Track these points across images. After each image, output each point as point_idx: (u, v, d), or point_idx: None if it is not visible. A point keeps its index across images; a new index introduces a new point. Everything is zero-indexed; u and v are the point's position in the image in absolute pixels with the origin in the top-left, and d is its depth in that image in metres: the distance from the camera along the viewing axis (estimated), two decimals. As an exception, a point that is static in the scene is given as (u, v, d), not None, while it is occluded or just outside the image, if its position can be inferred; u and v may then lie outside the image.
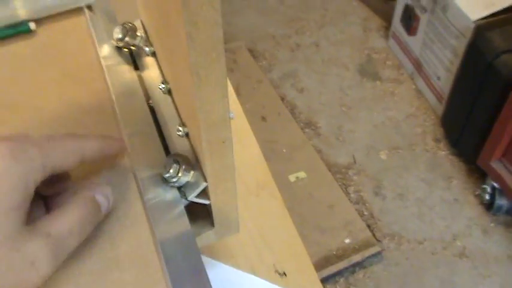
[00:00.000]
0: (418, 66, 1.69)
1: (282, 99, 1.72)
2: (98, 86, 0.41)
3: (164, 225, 0.37)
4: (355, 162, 1.56)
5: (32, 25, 0.44)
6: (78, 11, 0.46)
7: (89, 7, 0.46)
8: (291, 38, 1.92)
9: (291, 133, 1.63)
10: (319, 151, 1.59)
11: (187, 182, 0.38)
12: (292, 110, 1.70)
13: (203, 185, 0.38)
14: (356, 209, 1.44)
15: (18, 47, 0.44)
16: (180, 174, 0.37)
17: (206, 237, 0.42)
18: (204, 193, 0.38)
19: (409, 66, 1.75)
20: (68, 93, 0.41)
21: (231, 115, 0.34)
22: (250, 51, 1.86)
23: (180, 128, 0.40)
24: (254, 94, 1.72)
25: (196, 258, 0.36)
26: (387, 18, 1.88)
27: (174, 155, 0.38)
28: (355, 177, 1.52)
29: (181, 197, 0.38)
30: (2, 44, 0.44)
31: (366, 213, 1.44)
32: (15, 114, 0.39)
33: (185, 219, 0.37)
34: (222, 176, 0.37)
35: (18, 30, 0.44)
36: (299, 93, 1.75)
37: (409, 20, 1.68)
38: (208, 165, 0.36)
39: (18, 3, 0.44)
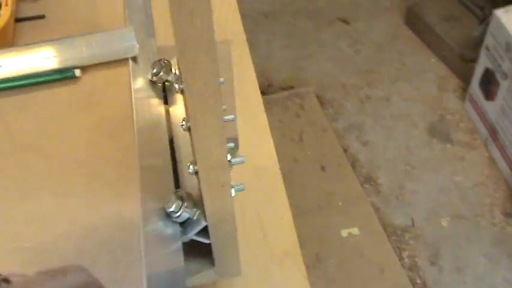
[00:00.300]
0: (493, 132, 1.60)
1: (345, 150, 1.68)
2: (126, 139, 0.41)
3: (156, 258, 0.36)
4: (413, 225, 1.47)
5: (77, 72, 0.45)
6: (123, 61, 0.46)
7: (134, 58, 0.46)
8: (361, 89, 1.88)
9: (349, 186, 1.57)
10: (376, 209, 1.52)
11: (189, 219, 0.39)
12: (354, 162, 1.65)
13: (203, 224, 0.39)
14: (408, 276, 1.35)
15: (61, 92, 0.44)
16: (181, 211, 0.38)
17: (207, 275, 0.42)
18: (205, 232, 0.39)
19: (483, 131, 1.66)
20: (96, 144, 0.40)
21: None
22: (319, 98, 1.84)
23: (191, 166, 0.39)
24: (317, 142, 1.69)
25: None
26: (465, 79, 1.81)
27: (180, 191, 0.39)
28: (411, 242, 1.44)
29: (182, 233, 0.39)
30: (48, 87, 0.44)
31: (418, 281, 1.35)
32: (38, 158, 0.39)
33: (179, 255, 0.38)
34: (220, 218, 0.38)
35: (64, 76, 0.44)
36: (363, 146, 1.70)
37: (489, 84, 1.60)
38: (207, 206, 0.37)
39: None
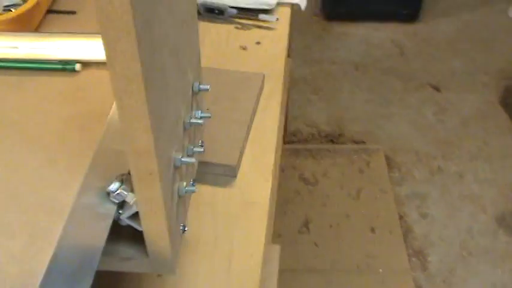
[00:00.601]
0: None
1: (400, 217, 1.60)
2: (95, 132, 0.42)
3: (76, 229, 0.36)
4: (452, 314, 1.36)
5: (78, 66, 0.47)
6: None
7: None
8: (435, 160, 1.79)
9: (395, 255, 1.49)
10: (418, 286, 1.42)
11: (125, 203, 0.40)
12: (407, 232, 1.56)
13: (134, 209, 0.39)
14: None
15: (56, 81, 0.46)
16: (118, 191, 0.39)
17: (140, 264, 0.43)
18: (139, 219, 0.39)
19: (558, 234, 1.51)
20: (64, 133, 0.42)
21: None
22: (387, 158, 1.78)
23: None
24: (373, 202, 1.63)
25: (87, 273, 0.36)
26: (551, 175, 1.66)
27: (124, 174, 0.40)
28: (445, 332, 1.32)
29: (117, 214, 0.40)
30: (48, 74, 0.47)
31: None
32: (8, 132, 0.41)
33: (102, 235, 0.39)
34: (149, 207, 0.38)
35: (64, 67, 0.47)
36: (421, 218, 1.61)
37: None
38: (136, 192, 0.37)
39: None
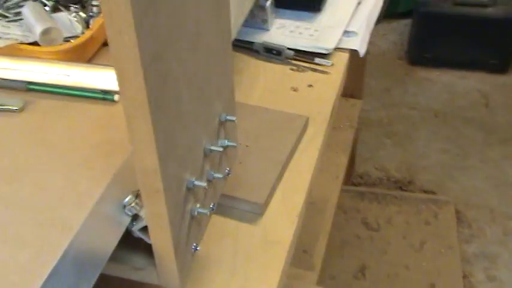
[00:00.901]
0: None
1: (465, 276, 1.52)
2: (117, 160, 0.45)
3: (89, 234, 0.40)
4: None
5: (117, 97, 0.51)
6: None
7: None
8: (511, 221, 1.68)
9: (452, 316, 1.41)
10: None
11: (138, 216, 0.44)
12: (470, 294, 1.47)
13: (143, 223, 0.43)
14: None
15: (97, 109, 0.50)
16: (132, 205, 0.43)
17: (150, 275, 0.47)
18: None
19: None
20: (90, 157, 0.46)
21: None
22: (458, 213, 1.70)
23: None
24: (437, 257, 1.56)
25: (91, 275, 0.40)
26: None
27: (139, 190, 0.42)
28: None
29: (129, 226, 0.44)
30: (90, 102, 0.51)
31: None
32: (43, 151, 0.46)
33: (113, 241, 0.43)
34: (156, 222, 0.41)
35: (105, 97, 0.51)
36: (488, 280, 1.51)
37: None
38: (145, 207, 0.41)
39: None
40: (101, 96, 0.51)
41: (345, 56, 0.85)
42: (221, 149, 0.49)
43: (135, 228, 0.45)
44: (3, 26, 0.56)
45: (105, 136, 0.48)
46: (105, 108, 0.51)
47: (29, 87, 0.52)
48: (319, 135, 0.72)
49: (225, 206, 0.64)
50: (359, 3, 0.93)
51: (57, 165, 0.45)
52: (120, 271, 0.49)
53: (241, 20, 0.70)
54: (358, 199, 1.75)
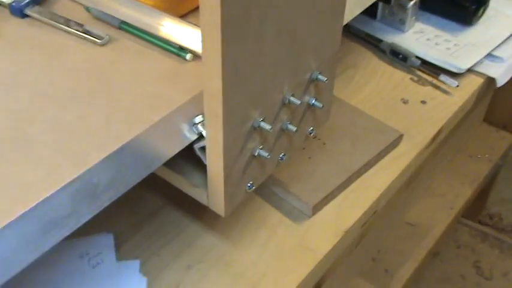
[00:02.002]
0: None
1: None
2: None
3: (155, 134, 0.44)
4: None
5: (189, 56, 0.51)
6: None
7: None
8: None
9: None
10: None
11: (202, 136, 0.46)
12: None
13: (203, 143, 0.46)
14: None
15: (168, 62, 0.51)
16: (200, 124, 0.46)
17: (201, 194, 0.51)
18: None
19: None
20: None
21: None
22: None
23: None
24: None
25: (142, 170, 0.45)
26: None
27: None
28: None
29: (194, 143, 0.48)
30: (165, 54, 0.52)
31: None
32: (103, 86, 0.49)
33: (173, 148, 0.47)
34: (212, 145, 0.44)
35: (179, 53, 0.52)
36: None
37: None
38: (206, 129, 0.44)
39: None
40: (175, 50, 0.52)
41: (478, 81, 0.75)
42: (298, 102, 0.49)
43: (196, 146, 0.48)
44: (121, -36, 0.59)
45: (160, 89, 0.48)
46: (174, 64, 0.51)
47: (121, 26, 0.54)
48: (408, 156, 0.66)
49: (278, 196, 0.62)
50: (521, 28, 0.81)
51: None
52: (179, 182, 0.53)
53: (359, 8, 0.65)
54: (478, 239, 1.59)
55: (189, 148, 0.49)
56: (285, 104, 0.50)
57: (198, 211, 0.60)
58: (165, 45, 0.52)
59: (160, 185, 0.64)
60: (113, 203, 0.44)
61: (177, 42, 0.52)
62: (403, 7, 0.79)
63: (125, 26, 0.54)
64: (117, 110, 0.46)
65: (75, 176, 0.39)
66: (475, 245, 1.59)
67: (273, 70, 0.45)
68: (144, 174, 0.45)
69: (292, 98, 0.49)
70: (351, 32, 0.84)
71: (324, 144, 0.65)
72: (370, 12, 0.82)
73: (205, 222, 0.60)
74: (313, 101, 0.53)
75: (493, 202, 1.67)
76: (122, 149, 0.42)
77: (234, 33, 0.38)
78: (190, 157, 0.50)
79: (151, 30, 0.53)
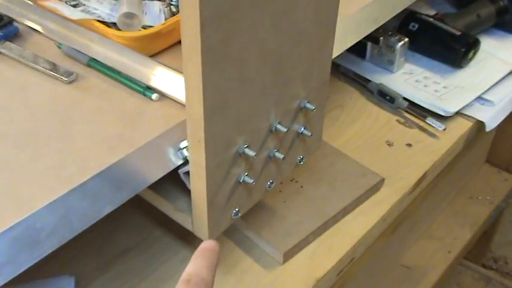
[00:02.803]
0: None
1: None
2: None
3: (140, 157, 0.45)
4: None
5: (155, 96, 0.50)
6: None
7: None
8: None
9: None
10: None
11: (188, 161, 0.47)
12: None
13: (188, 168, 0.46)
14: None
15: (129, 102, 0.50)
16: (185, 150, 0.47)
17: (186, 219, 0.51)
18: None
19: None
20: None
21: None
22: None
23: None
24: None
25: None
26: None
27: None
28: None
29: (179, 167, 0.48)
30: (130, 94, 0.51)
31: None
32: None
33: (156, 173, 0.47)
34: (195, 170, 0.44)
35: (143, 92, 0.51)
36: None
37: None
38: (190, 155, 0.45)
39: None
40: (142, 90, 0.51)
41: (467, 125, 0.73)
42: (285, 130, 0.49)
43: (181, 171, 0.48)
44: (98, 0, 0.58)
45: (122, 130, 0.47)
46: (139, 103, 0.50)
47: (90, 63, 0.54)
48: (389, 201, 0.63)
49: (250, 240, 0.60)
50: (513, 71, 0.79)
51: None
52: (164, 206, 0.53)
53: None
54: (481, 283, 1.54)
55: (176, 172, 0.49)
56: (272, 132, 0.50)
57: (163, 256, 0.58)
58: (131, 84, 0.51)
59: (130, 226, 0.63)
60: (79, 243, 0.42)
61: (144, 82, 0.51)
62: (391, 48, 0.78)
63: (93, 63, 0.54)
64: (73, 151, 0.45)
65: (18, 220, 0.38)
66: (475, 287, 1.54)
67: (258, 97, 0.45)
68: (94, 219, 0.43)
69: (279, 126, 0.49)
70: (339, 71, 0.83)
71: (302, 187, 0.63)
72: (359, 51, 0.81)
73: (171, 268, 0.57)
74: (302, 129, 0.53)
75: (498, 245, 1.63)
76: (71, 192, 0.41)
77: (215, 59, 0.38)
78: (177, 181, 0.50)
79: (120, 68, 0.53)
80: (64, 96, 0.51)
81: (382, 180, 0.65)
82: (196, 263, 0.38)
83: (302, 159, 0.57)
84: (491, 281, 1.56)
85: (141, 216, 0.63)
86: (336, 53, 0.65)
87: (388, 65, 0.80)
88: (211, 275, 0.37)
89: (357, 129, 0.73)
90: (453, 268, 1.22)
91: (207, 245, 0.40)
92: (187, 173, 0.48)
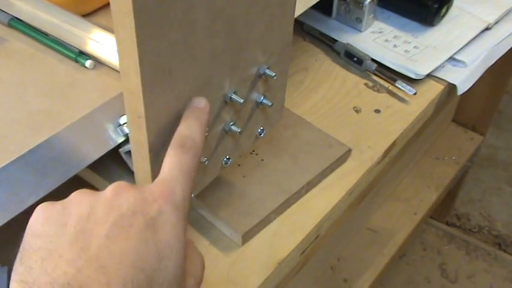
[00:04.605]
0: None
1: None
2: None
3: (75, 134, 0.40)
4: None
5: (89, 63, 0.44)
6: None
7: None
8: None
9: None
10: None
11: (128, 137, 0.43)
12: None
13: (129, 147, 0.43)
14: None
15: (58, 71, 0.44)
16: (124, 126, 0.43)
17: None
18: None
19: None
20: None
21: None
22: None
23: None
24: None
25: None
26: None
27: None
28: None
29: (121, 145, 0.44)
30: (60, 59, 0.44)
31: None
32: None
33: (95, 153, 0.43)
34: (137, 149, 0.39)
35: (75, 58, 0.44)
36: None
37: None
38: (130, 132, 0.39)
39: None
40: (73, 56, 0.44)
41: (438, 88, 0.69)
42: (241, 101, 0.44)
43: (122, 150, 0.44)
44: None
45: (49, 104, 0.40)
46: (71, 72, 0.43)
47: (11, 23, 0.46)
48: (356, 174, 0.59)
49: (206, 220, 0.55)
50: (487, 29, 0.74)
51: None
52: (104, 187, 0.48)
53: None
54: (444, 241, 1.55)
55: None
56: (227, 103, 0.44)
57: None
58: (61, 49, 0.44)
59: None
60: (10, 232, 0.37)
61: (76, 46, 0.44)
62: (359, 4, 0.71)
63: (15, 24, 0.46)
64: (-11, 132, 0.38)
65: None
66: (441, 246, 1.54)
67: (208, 64, 0.40)
68: (15, 211, 0.37)
69: (234, 96, 0.44)
70: (304, 30, 0.77)
71: (262, 160, 0.58)
72: (324, 9, 0.74)
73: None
74: (262, 99, 0.48)
75: (461, 202, 1.64)
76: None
77: (153, 20, 0.33)
78: (120, 160, 0.46)
79: (47, 30, 0.45)
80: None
81: (349, 151, 0.60)
82: (189, 124, 0.36)
83: (262, 131, 0.52)
84: (454, 238, 1.57)
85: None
86: (299, 11, 0.59)
87: (356, 23, 0.74)
88: (203, 138, 0.36)
89: (322, 95, 0.68)
90: (418, 230, 1.21)
91: (199, 103, 0.38)
92: (129, 153, 0.43)
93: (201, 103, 0.38)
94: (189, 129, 0.36)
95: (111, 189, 0.32)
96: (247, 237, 0.53)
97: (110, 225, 0.29)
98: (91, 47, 0.44)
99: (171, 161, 0.34)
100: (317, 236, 0.57)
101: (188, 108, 0.38)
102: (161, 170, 0.34)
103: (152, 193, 0.32)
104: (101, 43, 0.44)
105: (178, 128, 0.36)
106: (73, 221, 0.29)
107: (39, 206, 0.31)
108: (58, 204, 0.31)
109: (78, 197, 0.31)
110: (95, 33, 0.44)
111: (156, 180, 0.33)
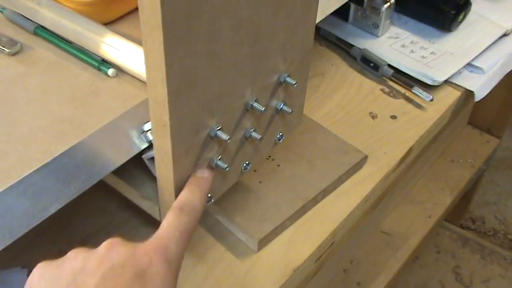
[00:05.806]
0: None
1: None
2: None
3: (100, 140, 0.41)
4: None
5: (111, 71, 0.44)
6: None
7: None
8: None
9: None
10: None
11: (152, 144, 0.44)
12: None
13: (153, 154, 0.43)
14: None
15: (81, 79, 0.44)
16: (148, 133, 0.44)
17: (153, 207, 0.48)
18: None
19: None
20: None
21: None
22: None
23: None
24: None
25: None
26: None
27: None
28: None
29: (144, 151, 0.45)
30: (78, 66, 0.45)
31: None
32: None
33: (118, 159, 0.43)
34: (161, 157, 0.40)
35: (98, 66, 0.45)
36: None
37: None
38: (154, 140, 0.39)
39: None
40: (96, 64, 0.44)
41: (455, 95, 0.68)
42: (262, 109, 0.45)
43: (145, 157, 0.45)
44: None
45: (72, 112, 0.41)
46: (93, 80, 0.44)
47: (36, 31, 0.47)
48: (372, 180, 0.59)
49: (223, 226, 0.55)
50: (505, 35, 0.74)
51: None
52: (129, 193, 0.50)
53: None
54: (459, 244, 1.54)
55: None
56: (248, 110, 0.45)
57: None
58: (84, 57, 0.45)
59: (92, 210, 0.57)
60: (31, 231, 0.38)
61: (99, 54, 0.45)
62: (376, 10, 0.71)
63: (40, 32, 0.47)
64: (14, 138, 0.39)
65: None
66: (455, 250, 1.54)
67: (231, 73, 0.41)
68: (38, 219, 0.38)
69: (255, 104, 0.45)
70: (320, 34, 0.77)
71: (279, 166, 0.58)
72: (341, 14, 0.74)
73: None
74: (282, 106, 0.49)
75: (476, 205, 1.62)
76: (9, 189, 0.35)
77: (180, 32, 0.33)
78: (143, 165, 0.46)
79: (71, 38, 0.46)
80: (6, 70, 0.44)
81: (365, 158, 0.60)
82: (191, 191, 0.38)
83: (281, 136, 0.52)
84: (468, 241, 1.56)
85: (105, 199, 0.58)
86: (318, 18, 0.59)
87: (372, 29, 0.74)
88: (203, 205, 0.38)
89: (338, 100, 0.68)
90: (432, 233, 1.21)
91: (203, 173, 0.40)
92: (152, 159, 0.43)
93: (204, 173, 0.40)
94: (191, 195, 0.38)
95: (104, 245, 0.33)
96: (263, 243, 0.53)
97: (100, 276, 0.30)
98: (113, 56, 0.44)
99: (169, 220, 0.36)
100: (332, 243, 0.57)
101: (192, 176, 0.40)
102: (159, 228, 0.36)
103: (145, 247, 0.33)
104: (123, 52, 0.44)
105: (181, 193, 0.38)
106: (66, 275, 0.31)
107: (38, 264, 0.33)
108: (55, 262, 0.33)
109: (74, 254, 0.33)
110: (117, 41, 0.45)
111: (152, 237, 0.35)
